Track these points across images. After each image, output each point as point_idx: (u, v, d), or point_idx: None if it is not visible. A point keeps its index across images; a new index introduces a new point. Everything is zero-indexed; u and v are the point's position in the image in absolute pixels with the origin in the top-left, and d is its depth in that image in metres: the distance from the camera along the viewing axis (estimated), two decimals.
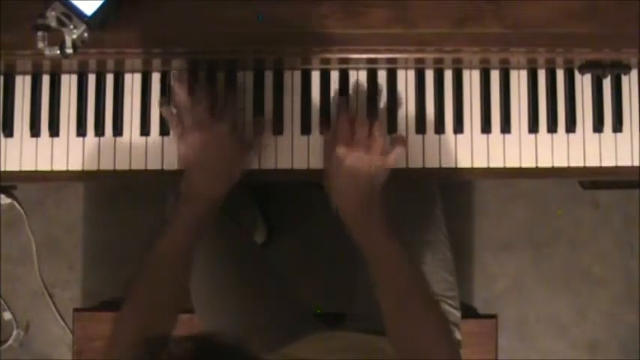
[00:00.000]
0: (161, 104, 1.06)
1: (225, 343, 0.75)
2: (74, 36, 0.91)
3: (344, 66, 1.06)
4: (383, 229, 0.96)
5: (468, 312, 1.34)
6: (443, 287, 1.17)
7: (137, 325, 0.94)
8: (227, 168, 1.01)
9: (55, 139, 1.07)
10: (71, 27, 0.91)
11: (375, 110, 1.06)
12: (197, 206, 0.98)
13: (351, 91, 1.07)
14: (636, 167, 1.06)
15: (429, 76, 1.07)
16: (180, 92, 1.02)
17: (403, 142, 1.04)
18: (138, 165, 1.07)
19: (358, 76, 1.07)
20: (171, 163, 1.06)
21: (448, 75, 1.07)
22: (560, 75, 1.07)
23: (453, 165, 1.07)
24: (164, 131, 1.07)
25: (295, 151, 1.06)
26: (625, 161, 1.06)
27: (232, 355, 0.74)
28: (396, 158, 1.01)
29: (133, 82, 1.08)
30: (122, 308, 0.96)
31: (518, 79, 1.07)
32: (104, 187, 1.82)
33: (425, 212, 1.18)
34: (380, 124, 1.01)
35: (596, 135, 1.07)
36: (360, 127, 0.99)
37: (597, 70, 1.05)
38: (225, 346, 0.75)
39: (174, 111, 1.03)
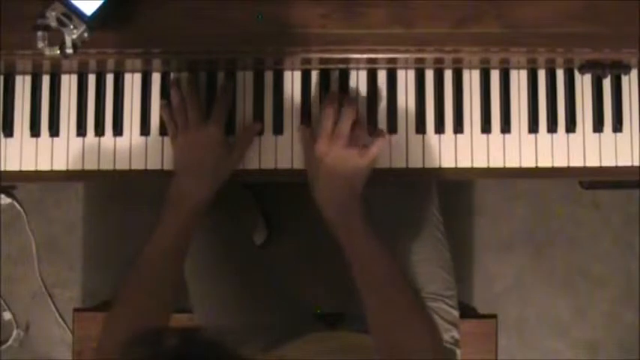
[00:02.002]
0: (161, 107, 1.06)
1: (212, 341, 0.74)
2: (74, 36, 0.91)
3: (344, 66, 1.06)
4: (362, 224, 0.95)
5: (468, 312, 1.34)
6: (441, 286, 1.17)
7: (125, 327, 0.93)
8: (214, 170, 1.01)
9: (55, 139, 1.07)
10: (71, 27, 0.91)
11: (374, 110, 1.06)
12: (183, 208, 0.99)
13: (350, 91, 1.07)
14: (636, 167, 1.06)
15: (429, 76, 1.07)
16: (174, 96, 1.04)
17: (384, 135, 1.02)
18: (138, 165, 1.07)
19: (358, 76, 1.07)
20: (172, 164, 1.06)
21: (448, 75, 1.07)
22: (560, 75, 1.07)
23: (452, 165, 1.07)
24: (164, 131, 1.06)
25: (295, 151, 1.06)
26: (625, 161, 1.06)
27: (217, 353, 0.73)
28: (377, 151, 1.00)
29: (133, 82, 1.08)
30: (111, 310, 0.96)
31: (518, 79, 1.07)
32: (104, 187, 1.82)
33: (422, 211, 1.18)
34: (360, 118, 1.00)
35: (596, 135, 1.07)
36: (341, 123, 0.98)
37: (597, 70, 1.05)
38: (212, 344, 0.74)
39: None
